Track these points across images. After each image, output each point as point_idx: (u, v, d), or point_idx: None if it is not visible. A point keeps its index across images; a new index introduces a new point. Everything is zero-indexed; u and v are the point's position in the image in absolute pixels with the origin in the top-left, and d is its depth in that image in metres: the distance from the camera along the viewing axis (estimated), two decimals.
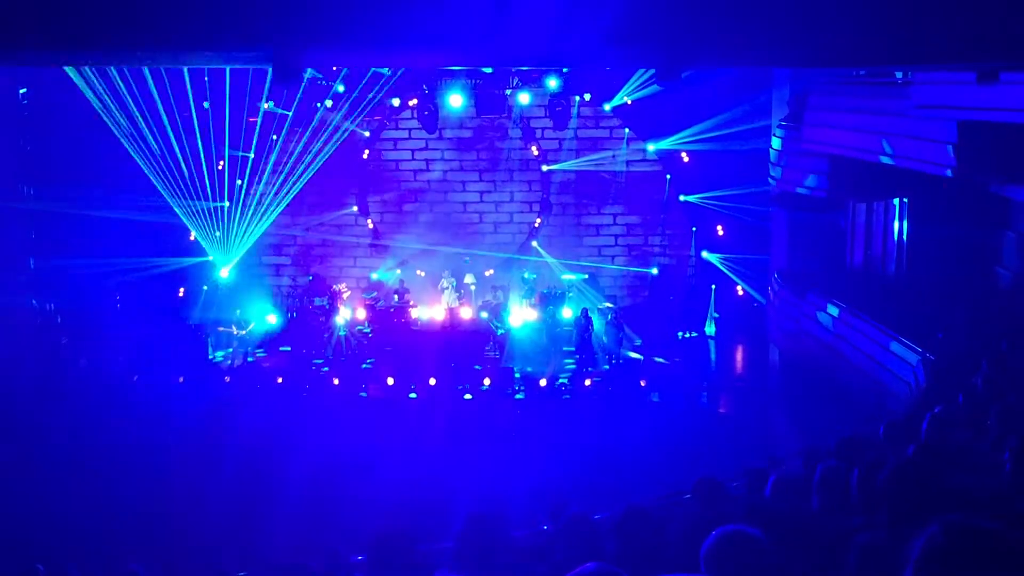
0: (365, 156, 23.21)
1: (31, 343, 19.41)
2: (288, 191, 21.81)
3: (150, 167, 19.85)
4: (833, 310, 16.55)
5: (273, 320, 20.98)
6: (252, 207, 21.74)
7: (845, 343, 15.97)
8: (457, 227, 23.17)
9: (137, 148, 19.51)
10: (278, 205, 21.84)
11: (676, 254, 23.13)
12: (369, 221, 23.39)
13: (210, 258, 21.55)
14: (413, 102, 22.43)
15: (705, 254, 22.57)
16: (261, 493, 13.76)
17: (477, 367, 19.32)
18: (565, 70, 20.77)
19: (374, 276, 22.63)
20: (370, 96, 22.00)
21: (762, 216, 20.58)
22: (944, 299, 14.50)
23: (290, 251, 23.66)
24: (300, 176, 21.78)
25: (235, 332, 20.95)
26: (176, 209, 20.61)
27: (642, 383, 18.89)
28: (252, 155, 21.67)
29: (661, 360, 20.09)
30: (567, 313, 21.00)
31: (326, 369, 19.62)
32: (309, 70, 19.77)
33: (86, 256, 19.54)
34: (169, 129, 19.92)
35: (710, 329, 22.29)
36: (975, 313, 13.24)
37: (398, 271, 22.89)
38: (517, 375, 18.94)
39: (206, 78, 20.39)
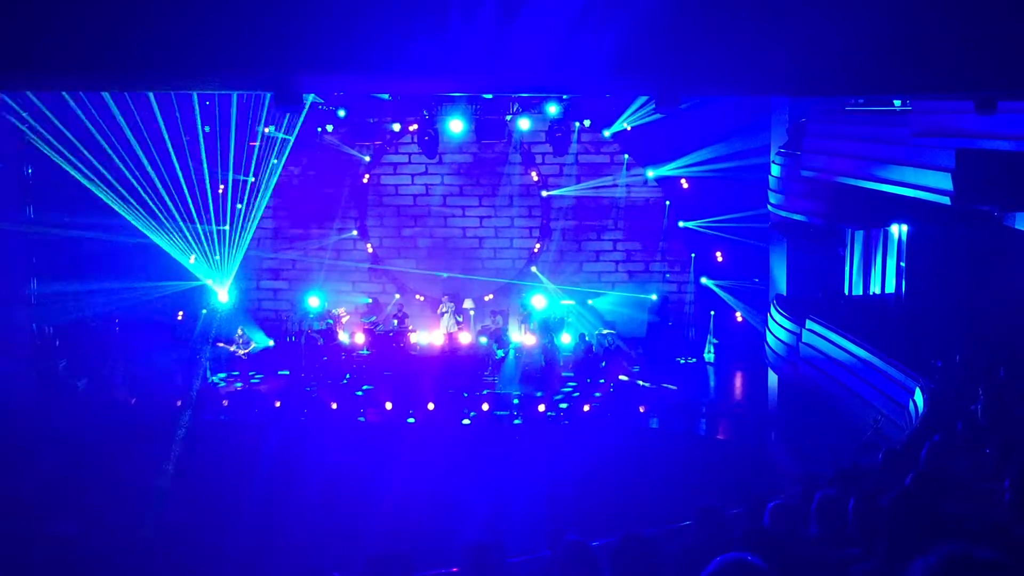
0: (365, 180, 23.28)
1: (30, 365, 19.38)
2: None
3: (150, 191, 19.86)
4: (832, 337, 16.53)
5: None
6: (247, 230, 21.78)
7: (844, 370, 15.94)
8: (456, 252, 23.20)
9: (136, 172, 19.54)
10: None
11: (676, 280, 23.14)
12: (368, 245, 23.42)
13: (209, 282, 21.55)
14: (413, 127, 22.51)
15: (704, 280, 22.59)
16: (257, 517, 13.70)
17: (476, 392, 19.28)
18: (565, 97, 20.85)
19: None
20: (370, 121, 22.10)
21: (761, 243, 20.63)
22: (943, 326, 14.51)
23: (289, 275, 23.68)
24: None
25: (234, 351, 20.92)
26: (176, 234, 20.61)
27: (641, 409, 18.87)
28: (253, 179, 21.72)
29: (660, 386, 20.05)
30: (566, 339, 20.99)
31: (324, 393, 19.57)
32: (310, 95, 19.86)
33: (86, 279, 19.54)
34: (172, 153, 19.97)
35: (709, 355, 22.28)
36: (974, 341, 13.24)
37: (397, 296, 22.93)
38: (515, 400, 18.90)
39: (207, 102, 20.46)
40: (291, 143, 21.66)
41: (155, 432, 16.95)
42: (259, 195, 21.74)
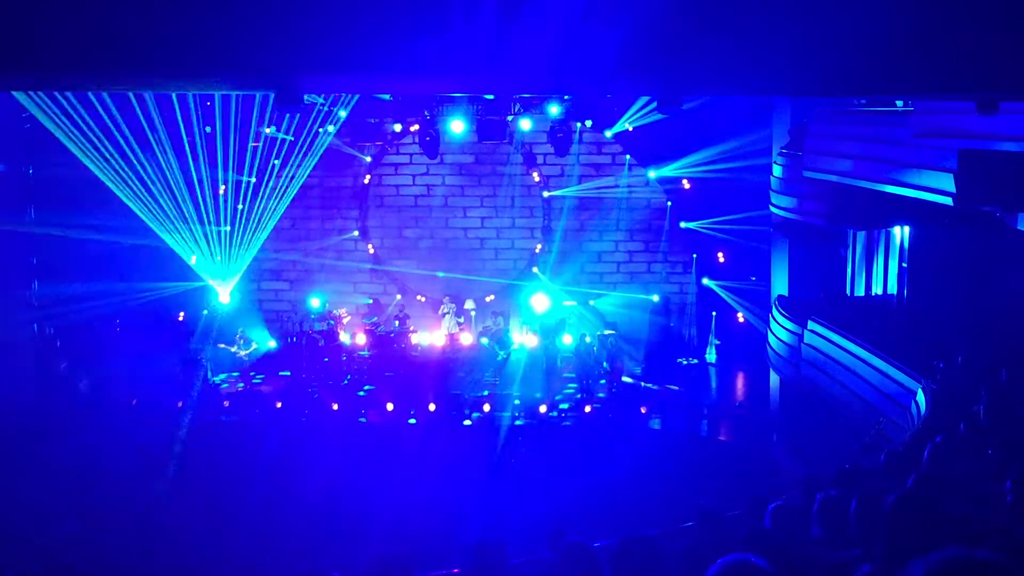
0: (366, 181, 23.27)
1: (31, 367, 19.39)
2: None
3: (151, 192, 19.89)
4: (834, 338, 16.52)
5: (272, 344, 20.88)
6: (257, 232, 21.80)
7: (846, 371, 15.93)
8: (458, 253, 23.18)
9: (138, 173, 19.55)
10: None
11: (677, 281, 23.12)
12: (370, 246, 23.41)
13: (210, 282, 21.56)
14: (415, 128, 22.49)
15: (706, 281, 22.57)
16: (259, 518, 13.71)
17: (477, 393, 19.26)
18: (566, 97, 20.84)
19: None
20: (371, 121, 22.09)
21: (763, 244, 20.61)
22: (945, 327, 14.49)
23: (290, 276, 23.67)
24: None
25: (234, 351, 20.89)
26: (177, 234, 20.63)
27: (643, 410, 18.85)
28: (254, 180, 21.73)
29: (662, 387, 20.04)
30: (567, 339, 20.98)
31: (325, 394, 19.54)
32: (311, 95, 19.87)
33: (87, 280, 19.55)
34: (171, 154, 19.99)
35: (711, 356, 22.27)
36: (976, 342, 13.23)
37: (398, 296, 22.91)
38: (517, 401, 18.88)
39: (208, 103, 20.47)
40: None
41: (156, 433, 16.96)
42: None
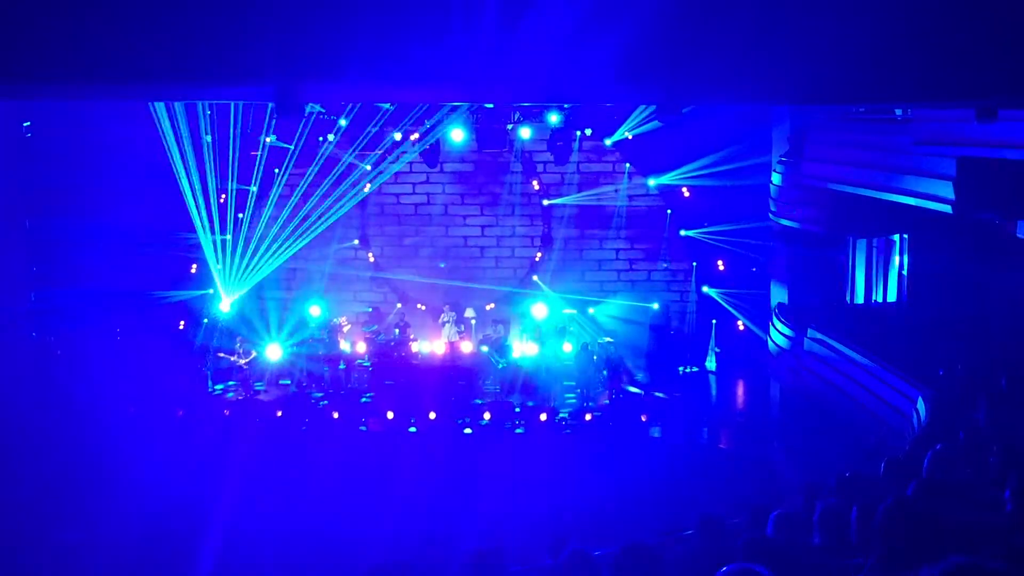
0: (366, 190, 23.26)
1: (30, 375, 19.36)
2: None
3: (151, 199, 19.89)
4: (834, 345, 16.52)
5: (276, 353, 20.80)
6: (255, 241, 21.81)
7: (846, 379, 15.93)
8: (458, 261, 23.19)
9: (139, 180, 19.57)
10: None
11: (678, 289, 23.13)
12: (370, 254, 23.41)
13: (210, 291, 21.54)
14: (415, 136, 22.50)
15: (706, 289, 22.57)
16: (259, 526, 13.68)
17: (477, 401, 19.25)
18: (566, 105, 20.86)
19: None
20: (371, 130, 22.10)
21: (763, 251, 20.61)
22: (945, 335, 14.50)
23: (290, 284, 23.63)
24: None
25: (235, 360, 20.85)
26: (176, 242, 20.64)
27: (643, 418, 18.82)
28: (255, 188, 21.74)
29: (662, 395, 20.02)
30: (567, 347, 20.96)
31: (325, 403, 19.53)
32: (312, 104, 19.89)
33: (87, 288, 19.54)
34: (178, 161, 20.03)
35: (711, 364, 22.24)
36: (976, 349, 13.24)
37: (398, 305, 22.89)
38: (517, 409, 18.86)
39: (208, 111, 20.50)
40: (292, 152, 21.65)
41: (156, 443, 16.92)
42: (262, 205, 21.77)
